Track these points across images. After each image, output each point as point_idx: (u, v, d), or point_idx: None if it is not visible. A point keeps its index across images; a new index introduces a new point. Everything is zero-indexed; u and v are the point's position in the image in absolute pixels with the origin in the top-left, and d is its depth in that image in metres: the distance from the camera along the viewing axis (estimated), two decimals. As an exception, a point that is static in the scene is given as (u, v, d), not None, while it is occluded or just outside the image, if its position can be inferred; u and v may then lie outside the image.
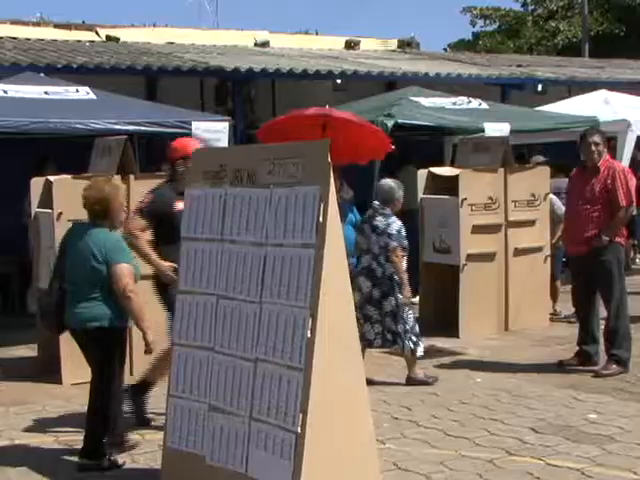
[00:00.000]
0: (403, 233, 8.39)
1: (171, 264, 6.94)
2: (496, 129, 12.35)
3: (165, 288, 7.16)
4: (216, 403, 5.57)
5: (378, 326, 8.42)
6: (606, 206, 8.60)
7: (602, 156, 8.70)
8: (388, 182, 8.72)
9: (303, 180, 5.14)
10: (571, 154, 10.03)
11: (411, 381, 8.42)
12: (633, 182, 8.81)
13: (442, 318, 10.60)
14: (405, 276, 8.37)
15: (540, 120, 13.81)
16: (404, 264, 8.39)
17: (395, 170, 13.18)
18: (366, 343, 8.30)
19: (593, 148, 8.68)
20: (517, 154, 12.35)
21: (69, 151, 10.67)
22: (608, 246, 8.60)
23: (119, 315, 6.29)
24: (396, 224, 8.40)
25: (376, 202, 8.58)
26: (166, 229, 7.03)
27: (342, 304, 5.08)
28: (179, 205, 6.67)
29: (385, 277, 8.39)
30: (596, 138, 8.72)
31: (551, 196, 11.09)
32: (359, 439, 5.17)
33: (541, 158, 12.09)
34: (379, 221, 8.42)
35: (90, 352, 6.45)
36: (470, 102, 13.83)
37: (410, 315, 8.44)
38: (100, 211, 6.36)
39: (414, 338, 8.40)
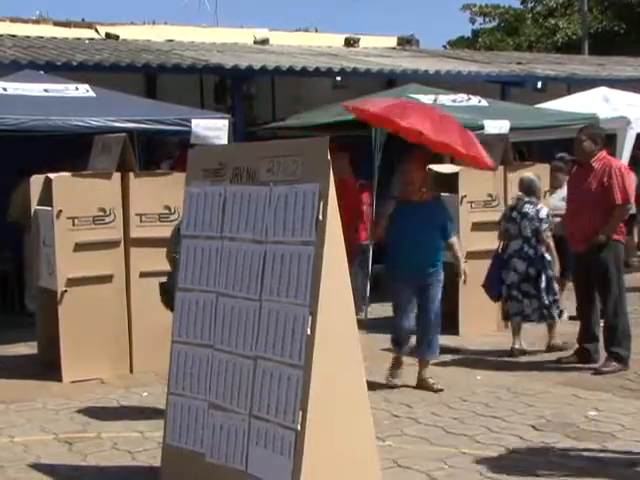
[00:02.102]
0: (550, 217, 9.55)
1: None
2: (496, 126, 12.34)
3: None
4: (216, 401, 5.57)
5: (535, 302, 9.45)
6: (603, 204, 8.59)
7: (591, 152, 8.70)
8: (529, 176, 9.84)
9: (303, 178, 5.14)
10: (571, 152, 10.02)
11: (554, 348, 9.58)
12: (631, 180, 8.79)
13: (442, 315, 10.57)
14: (555, 253, 9.51)
15: (540, 117, 13.81)
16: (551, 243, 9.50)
17: (395, 167, 13.20)
18: (522, 318, 9.56)
19: (577, 144, 8.76)
20: (516, 151, 12.34)
21: (68, 149, 10.66)
22: (606, 244, 8.61)
23: None
24: (544, 210, 9.59)
25: (519, 193, 9.70)
26: None
27: (342, 302, 5.08)
28: None
29: (538, 257, 9.45)
30: (581, 135, 8.77)
31: None
32: (359, 436, 5.17)
33: (567, 156, 12.07)
34: (528, 209, 9.52)
35: None
36: (470, 99, 13.82)
37: (557, 287, 9.57)
38: None
39: (560, 307, 9.64)
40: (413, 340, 8.44)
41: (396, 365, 8.43)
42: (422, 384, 8.28)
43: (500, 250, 9.69)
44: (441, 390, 8.12)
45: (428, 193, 8.38)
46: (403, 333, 8.32)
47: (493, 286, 9.67)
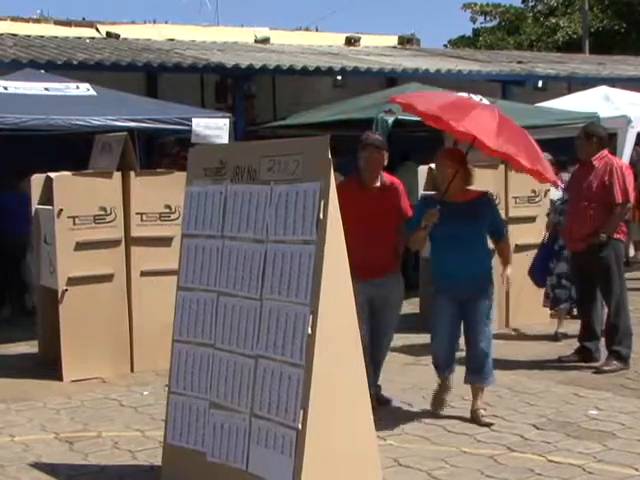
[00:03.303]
0: None
1: None
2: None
3: None
4: (217, 400, 5.56)
5: None
6: (603, 202, 8.57)
7: (592, 151, 8.69)
8: None
9: (303, 177, 5.14)
10: (572, 150, 10.03)
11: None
12: (631, 179, 8.78)
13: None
14: None
15: (540, 116, 13.79)
16: None
17: (395, 166, 13.20)
18: (571, 303, 10.00)
19: (579, 142, 8.75)
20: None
21: (69, 148, 10.67)
22: (606, 243, 8.60)
23: None
24: None
25: None
26: None
27: (343, 300, 5.08)
28: None
29: None
30: (583, 132, 8.77)
31: None
32: (360, 435, 5.17)
33: (548, 156, 12.04)
34: None
35: None
36: (470, 98, 13.80)
37: None
38: None
39: None
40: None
41: (440, 391, 7.42)
42: (472, 416, 7.18)
43: (546, 241, 10.02)
44: (491, 424, 7.04)
45: (471, 191, 7.26)
46: (441, 355, 7.31)
47: (538, 273, 10.05)
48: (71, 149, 10.68)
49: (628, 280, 9.36)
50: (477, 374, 7.20)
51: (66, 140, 10.70)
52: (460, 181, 7.13)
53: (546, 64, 19.91)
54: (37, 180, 9.31)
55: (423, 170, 11.03)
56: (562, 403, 7.62)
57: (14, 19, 17.79)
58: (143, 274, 9.19)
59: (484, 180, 10.53)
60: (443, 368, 7.35)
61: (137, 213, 9.22)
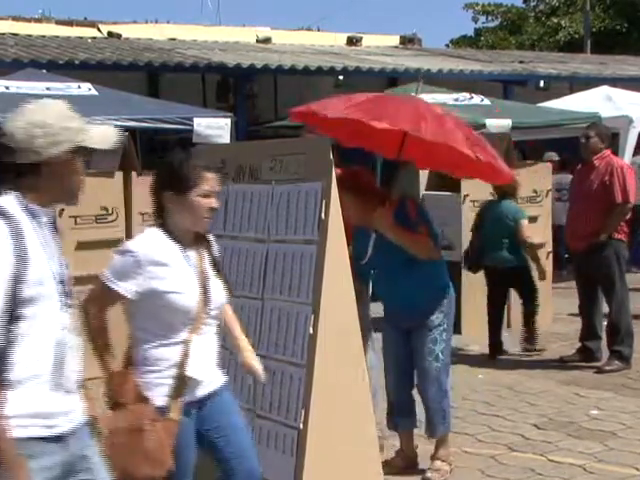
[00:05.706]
0: None
1: None
2: (498, 125, 12.34)
3: None
4: (218, 399, 5.56)
5: None
6: (604, 202, 8.58)
7: (595, 150, 8.69)
8: None
9: (305, 176, 5.14)
10: (573, 150, 10.05)
11: None
12: (633, 179, 8.78)
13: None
14: None
15: (542, 116, 13.80)
16: None
17: (397, 166, 13.20)
18: None
19: (583, 141, 8.76)
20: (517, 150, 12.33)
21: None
22: (607, 242, 8.60)
23: (522, 257, 9.17)
24: None
25: None
26: None
27: (344, 300, 5.07)
28: None
29: None
30: (588, 132, 8.78)
31: None
32: (361, 435, 5.17)
33: (555, 156, 12.05)
34: None
35: (499, 285, 9.46)
36: (472, 98, 13.82)
37: None
38: (510, 192, 9.14)
39: None
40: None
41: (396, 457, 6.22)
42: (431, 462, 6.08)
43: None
44: None
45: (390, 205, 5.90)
46: (391, 396, 6.21)
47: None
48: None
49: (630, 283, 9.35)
50: (428, 421, 6.04)
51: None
52: (364, 205, 5.76)
53: (548, 64, 19.92)
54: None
55: (424, 171, 11.04)
56: (563, 403, 7.63)
57: (15, 19, 17.80)
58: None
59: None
60: (395, 416, 6.16)
61: (139, 213, 9.22)
